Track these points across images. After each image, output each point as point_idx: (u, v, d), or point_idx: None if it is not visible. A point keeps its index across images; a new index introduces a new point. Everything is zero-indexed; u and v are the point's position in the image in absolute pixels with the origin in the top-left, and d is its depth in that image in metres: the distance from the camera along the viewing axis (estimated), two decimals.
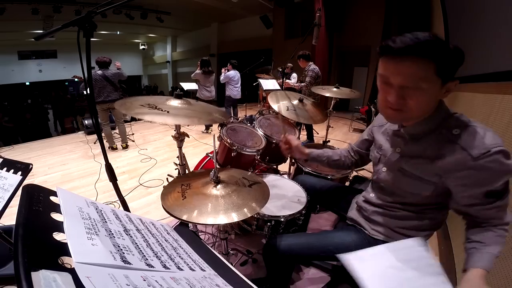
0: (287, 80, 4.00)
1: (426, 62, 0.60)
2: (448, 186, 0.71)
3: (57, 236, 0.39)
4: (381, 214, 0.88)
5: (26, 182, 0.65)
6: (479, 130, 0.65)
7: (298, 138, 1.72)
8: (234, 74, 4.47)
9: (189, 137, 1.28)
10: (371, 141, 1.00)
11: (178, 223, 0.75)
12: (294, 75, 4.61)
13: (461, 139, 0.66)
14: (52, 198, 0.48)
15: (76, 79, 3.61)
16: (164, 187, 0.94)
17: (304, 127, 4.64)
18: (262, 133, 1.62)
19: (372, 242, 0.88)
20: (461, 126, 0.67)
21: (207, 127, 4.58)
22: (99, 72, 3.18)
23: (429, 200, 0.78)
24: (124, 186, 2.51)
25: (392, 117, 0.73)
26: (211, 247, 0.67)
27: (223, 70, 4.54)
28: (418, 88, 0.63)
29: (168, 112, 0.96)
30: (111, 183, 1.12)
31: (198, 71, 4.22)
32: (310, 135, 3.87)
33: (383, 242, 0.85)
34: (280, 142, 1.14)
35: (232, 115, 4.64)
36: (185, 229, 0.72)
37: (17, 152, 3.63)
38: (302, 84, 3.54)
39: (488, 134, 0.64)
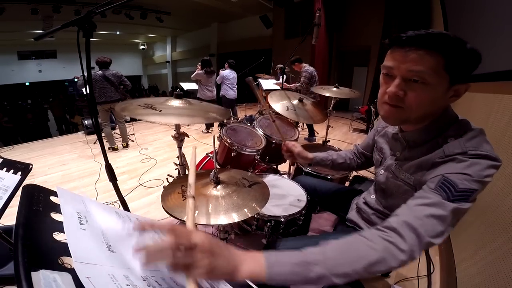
0: (286, 84, 3.96)
1: (435, 55, 0.57)
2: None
3: (57, 236, 0.39)
4: (379, 217, 0.88)
5: (26, 182, 0.65)
6: (471, 136, 0.60)
7: (297, 139, 1.72)
8: (228, 73, 4.37)
9: (189, 137, 1.28)
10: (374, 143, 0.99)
11: (178, 223, 0.75)
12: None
13: (448, 145, 0.61)
14: (52, 198, 0.48)
15: (76, 79, 3.59)
16: (164, 188, 0.94)
17: (303, 127, 4.64)
18: (262, 133, 1.62)
19: None
20: (458, 134, 0.62)
21: (208, 127, 4.57)
22: (99, 72, 3.17)
23: None
24: (124, 186, 2.51)
25: (389, 115, 0.67)
26: None
27: (221, 71, 4.50)
28: (422, 81, 0.58)
29: (160, 111, 0.96)
30: (111, 183, 1.12)
31: (199, 71, 4.20)
32: (311, 133, 3.90)
33: None
34: (282, 150, 1.12)
35: (232, 115, 4.61)
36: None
37: (17, 152, 3.63)
38: (297, 84, 3.62)
39: (477, 140, 0.59)
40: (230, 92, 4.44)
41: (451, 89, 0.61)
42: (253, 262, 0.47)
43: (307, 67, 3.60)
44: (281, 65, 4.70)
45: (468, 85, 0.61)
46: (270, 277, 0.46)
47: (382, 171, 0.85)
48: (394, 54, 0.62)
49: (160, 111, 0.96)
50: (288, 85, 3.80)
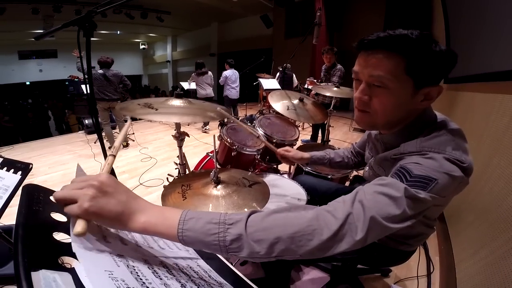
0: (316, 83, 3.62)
1: (396, 58, 0.54)
2: None
3: (57, 236, 0.39)
4: None
5: (26, 181, 0.65)
6: (433, 136, 0.57)
7: (297, 138, 1.72)
8: (231, 73, 4.41)
9: (189, 136, 1.28)
10: None
11: None
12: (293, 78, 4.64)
13: (404, 144, 0.61)
14: (52, 198, 0.48)
15: (76, 79, 3.60)
16: (164, 187, 0.94)
17: (303, 126, 4.62)
18: (262, 133, 1.62)
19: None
20: (427, 137, 0.58)
21: (206, 123, 4.59)
22: (100, 71, 3.19)
23: None
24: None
25: (359, 120, 0.67)
26: None
27: (224, 72, 4.53)
28: (384, 86, 0.57)
29: (156, 109, 0.95)
30: None
31: (193, 73, 4.38)
32: (314, 136, 3.81)
33: (377, 243, 0.86)
34: (277, 155, 1.14)
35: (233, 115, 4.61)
36: None
37: (17, 152, 3.63)
38: (330, 84, 3.41)
39: (438, 139, 0.56)
40: (233, 92, 4.48)
41: (419, 93, 0.57)
42: (159, 214, 0.43)
43: (340, 66, 3.49)
44: (289, 65, 4.68)
45: (441, 88, 0.57)
46: (182, 235, 0.40)
47: (367, 168, 0.86)
48: (359, 58, 0.61)
49: (157, 109, 0.96)
50: (319, 84, 3.61)
